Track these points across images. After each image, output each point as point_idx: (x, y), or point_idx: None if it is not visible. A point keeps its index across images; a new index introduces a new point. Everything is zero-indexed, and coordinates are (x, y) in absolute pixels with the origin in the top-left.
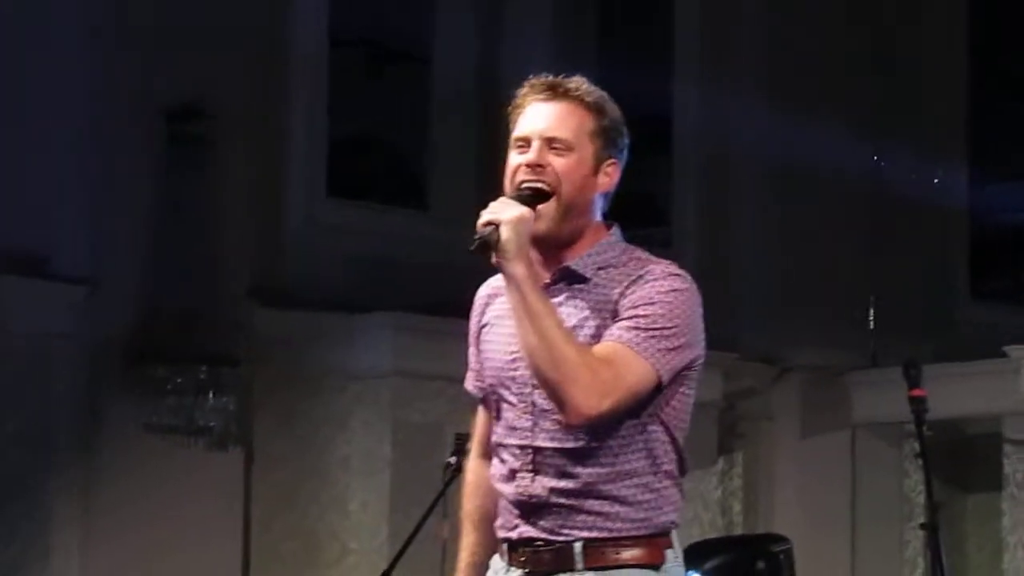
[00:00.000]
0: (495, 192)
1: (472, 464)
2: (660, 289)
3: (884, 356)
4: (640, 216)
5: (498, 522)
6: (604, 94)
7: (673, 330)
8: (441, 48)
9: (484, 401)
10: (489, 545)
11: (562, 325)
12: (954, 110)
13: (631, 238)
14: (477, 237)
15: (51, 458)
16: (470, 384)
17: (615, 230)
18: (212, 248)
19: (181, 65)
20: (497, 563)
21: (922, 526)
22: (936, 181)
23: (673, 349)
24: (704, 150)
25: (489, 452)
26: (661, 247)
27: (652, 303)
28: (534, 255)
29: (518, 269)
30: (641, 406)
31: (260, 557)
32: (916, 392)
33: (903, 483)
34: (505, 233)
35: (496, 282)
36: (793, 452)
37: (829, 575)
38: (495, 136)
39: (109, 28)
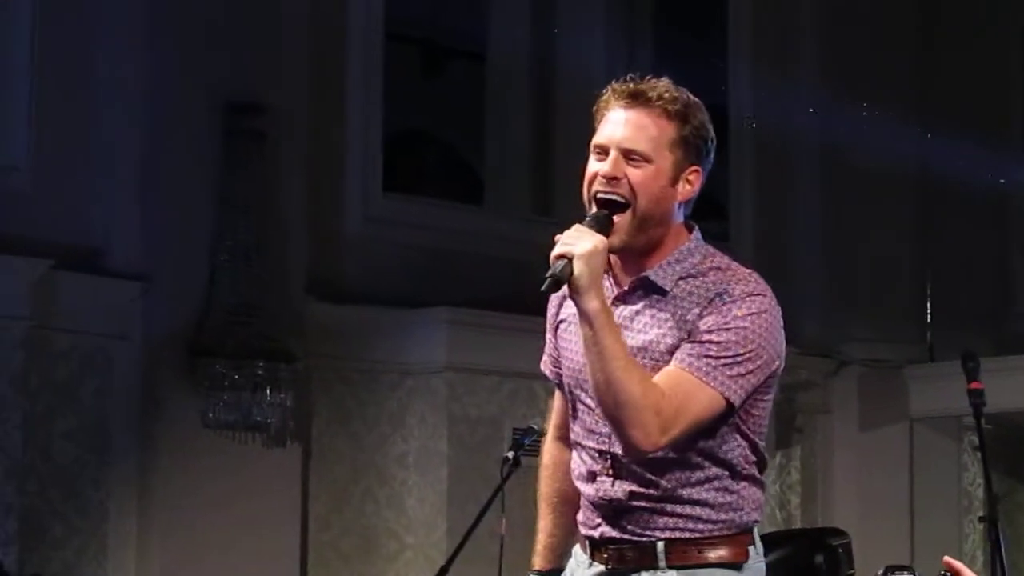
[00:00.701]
0: (549, 186)
1: (549, 446)
2: (736, 314)
3: (942, 349)
4: (697, 210)
5: (580, 517)
6: (689, 98)
7: (746, 355)
8: (495, 42)
9: (560, 387)
10: (567, 528)
11: (631, 362)
12: (1009, 97)
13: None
14: (549, 275)
15: (109, 454)
16: (546, 368)
17: (696, 234)
18: (269, 244)
19: (238, 61)
20: (580, 554)
21: (981, 519)
22: (991, 171)
23: (746, 374)
24: (760, 143)
25: (566, 435)
26: (718, 241)
27: (727, 329)
28: (614, 260)
29: (591, 304)
30: (714, 426)
31: (317, 553)
32: (974, 385)
33: (962, 476)
34: (578, 268)
35: None
36: (851, 446)
37: None
38: (550, 130)
39: (168, 24)
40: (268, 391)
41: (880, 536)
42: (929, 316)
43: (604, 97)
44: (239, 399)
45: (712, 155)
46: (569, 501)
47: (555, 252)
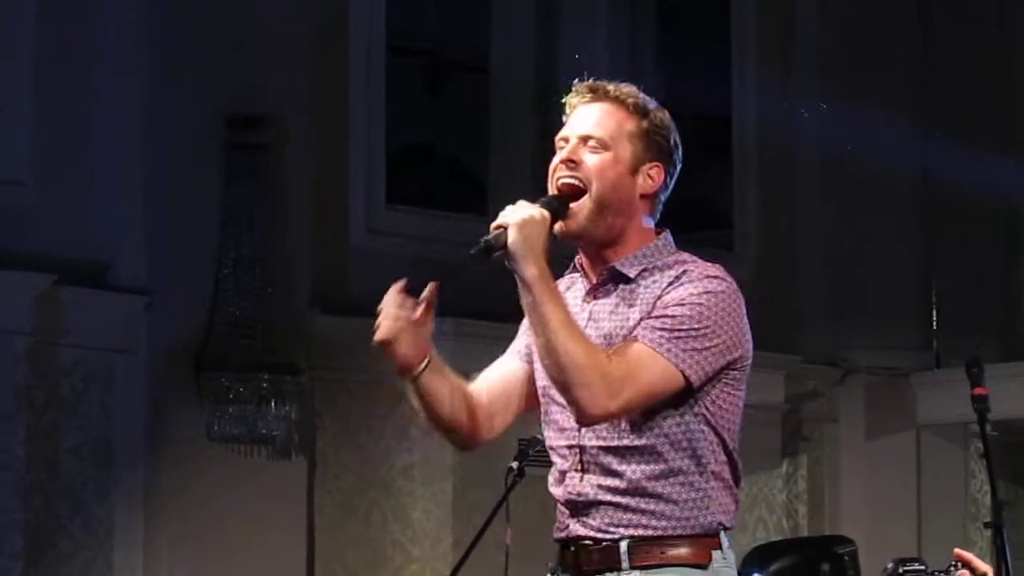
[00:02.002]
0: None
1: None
2: (693, 291)
3: (948, 357)
4: (701, 219)
5: (555, 527)
6: (652, 101)
7: (702, 331)
8: (499, 55)
9: (515, 361)
10: (456, 389)
11: (572, 326)
12: (1014, 101)
13: (692, 241)
14: (482, 240)
15: (114, 469)
16: (512, 354)
17: (665, 236)
18: (273, 256)
19: (241, 74)
20: (552, 568)
21: (987, 525)
22: (997, 177)
23: (702, 349)
24: (764, 150)
25: (479, 389)
26: (722, 250)
27: (682, 304)
28: (583, 260)
29: (527, 271)
30: (677, 409)
31: (324, 565)
32: (978, 391)
33: (968, 483)
34: (512, 235)
35: (562, 282)
36: (858, 454)
37: None
38: (553, 141)
39: (170, 38)
40: (273, 404)
41: (887, 543)
42: (935, 323)
43: (568, 96)
44: (244, 412)
45: (677, 160)
46: (460, 397)
47: (493, 224)
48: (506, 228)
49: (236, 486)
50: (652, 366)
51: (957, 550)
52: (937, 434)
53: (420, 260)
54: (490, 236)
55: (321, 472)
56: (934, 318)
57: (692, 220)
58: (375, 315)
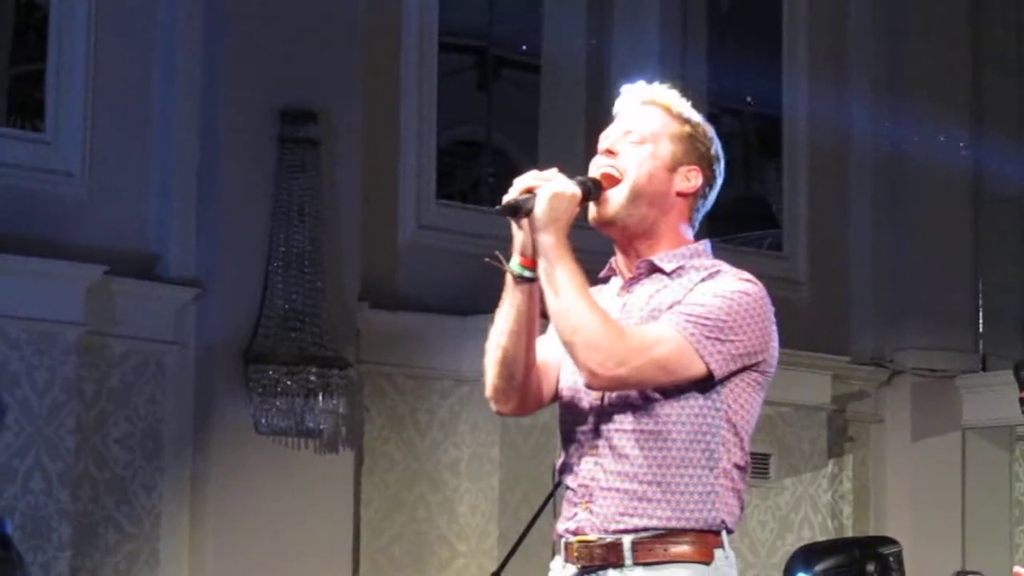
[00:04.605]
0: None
1: None
2: (726, 288)
3: (994, 359)
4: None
5: (560, 518)
6: (697, 114)
7: (727, 324)
8: (550, 52)
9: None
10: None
11: (587, 293)
12: None
13: (743, 241)
14: (509, 201)
15: (161, 461)
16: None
17: (704, 243)
18: (322, 250)
19: (293, 69)
20: (556, 568)
21: None
22: None
23: (725, 342)
24: (814, 151)
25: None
26: (773, 250)
27: (715, 296)
28: (618, 259)
29: (546, 238)
30: (695, 395)
31: (369, 560)
32: None
33: (1013, 486)
34: (540, 204)
35: (597, 288)
36: (903, 455)
37: None
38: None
39: (223, 32)
40: (321, 398)
41: (931, 545)
42: (981, 325)
43: (617, 100)
44: (292, 405)
45: (718, 172)
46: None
47: (525, 182)
48: (535, 195)
49: (283, 479)
50: (669, 343)
51: (1017, 568)
52: (982, 436)
53: (469, 256)
54: (520, 198)
55: (368, 466)
56: (980, 320)
57: (743, 220)
58: (424, 309)
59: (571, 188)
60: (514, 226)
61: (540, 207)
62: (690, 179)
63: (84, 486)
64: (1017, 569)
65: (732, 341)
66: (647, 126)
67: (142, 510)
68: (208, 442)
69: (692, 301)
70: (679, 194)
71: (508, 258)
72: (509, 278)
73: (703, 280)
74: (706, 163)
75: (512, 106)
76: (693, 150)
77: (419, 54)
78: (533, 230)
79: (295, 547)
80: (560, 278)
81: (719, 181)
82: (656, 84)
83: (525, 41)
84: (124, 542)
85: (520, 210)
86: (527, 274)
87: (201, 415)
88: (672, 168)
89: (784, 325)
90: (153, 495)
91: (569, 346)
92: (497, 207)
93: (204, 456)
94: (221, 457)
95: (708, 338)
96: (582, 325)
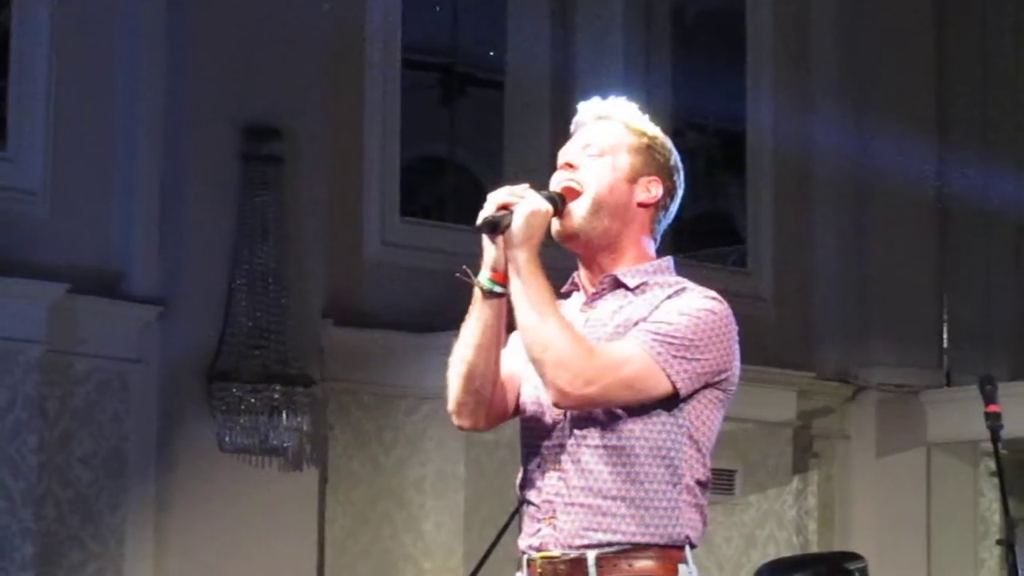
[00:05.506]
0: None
1: None
2: (691, 306)
3: (959, 375)
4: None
5: (521, 534)
6: (654, 126)
7: (693, 343)
8: (513, 67)
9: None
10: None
11: (556, 311)
12: None
13: (707, 257)
14: (487, 217)
15: (125, 479)
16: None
17: (667, 260)
18: (287, 267)
19: (257, 85)
20: None
21: (999, 542)
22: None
23: (691, 361)
24: (779, 166)
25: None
26: (736, 267)
27: (681, 314)
28: (582, 274)
29: (520, 255)
30: (659, 412)
31: None
32: (992, 408)
33: (979, 501)
34: (517, 221)
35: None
36: (868, 471)
37: None
38: None
39: (187, 49)
40: (285, 415)
41: (897, 561)
42: (946, 340)
43: (574, 118)
44: (256, 423)
45: (678, 183)
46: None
47: (500, 199)
48: (511, 212)
49: (247, 497)
50: (636, 361)
51: None
52: (947, 452)
53: (434, 272)
54: (498, 215)
55: (333, 483)
56: (945, 336)
57: (708, 236)
58: (389, 327)
59: (544, 205)
60: (486, 241)
61: (517, 224)
62: (651, 190)
63: (48, 505)
64: None
65: (698, 360)
66: (605, 139)
67: (106, 529)
68: (172, 460)
69: (658, 319)
70: (640, 205)
71: (476, 273)
72: (478, 293)
73: (669, 297)
74: (666, 173)
75: (476, 123)
76: (652, 161)
77: (383, 70)
78: (508, 246)
79: (260, 565)
80: (532, 294)
81: (680, 192)
82: (612, 98)
83: (489, 58)
84: (88, 561)
85: (498, 227)
86: (498, 289)
87: (165, 433)
88: (632, 179)
89: (749, 341)
90: (117, 514)
91: (538, 363)
92: (477, 224)
93: (168, 474)
94: (185, 475)
95: (675, 357)
96: (552, 343)
